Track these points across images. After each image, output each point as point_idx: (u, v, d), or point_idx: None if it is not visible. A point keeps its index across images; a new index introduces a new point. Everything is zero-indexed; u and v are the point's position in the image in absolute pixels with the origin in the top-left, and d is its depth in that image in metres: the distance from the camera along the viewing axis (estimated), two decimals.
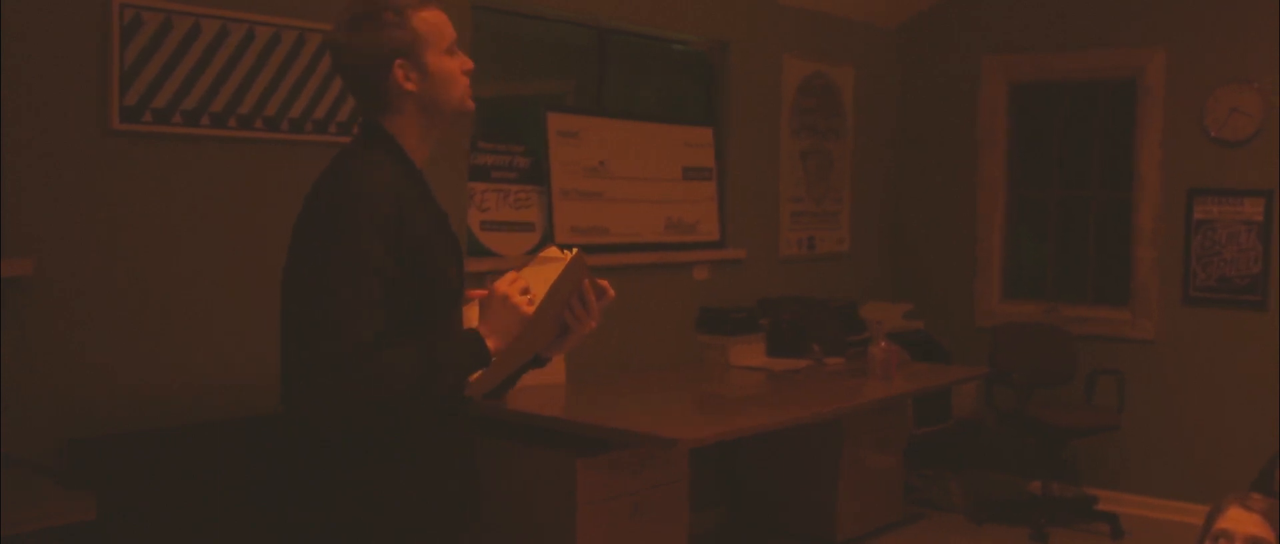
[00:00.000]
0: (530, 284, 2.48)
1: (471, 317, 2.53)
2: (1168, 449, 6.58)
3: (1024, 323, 6.76)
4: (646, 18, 5.81)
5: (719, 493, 6.14)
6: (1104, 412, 6.36)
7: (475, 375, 2.42)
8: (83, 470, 3.61)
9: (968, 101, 7.20)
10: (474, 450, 2.61)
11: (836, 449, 5.73)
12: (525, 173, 5.31)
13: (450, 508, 2.51)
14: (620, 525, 4.48)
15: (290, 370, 2.40)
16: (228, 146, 4.13)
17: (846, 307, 6.54)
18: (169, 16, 3.92)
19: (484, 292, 2.48)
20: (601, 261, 5.51)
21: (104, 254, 3.83)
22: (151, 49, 3.89)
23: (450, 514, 2.52)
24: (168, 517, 3.72)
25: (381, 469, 2.38)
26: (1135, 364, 6.58)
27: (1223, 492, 3.26)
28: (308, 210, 2.39)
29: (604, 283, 2.57)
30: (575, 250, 2.50)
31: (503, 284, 2.43)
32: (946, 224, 7.32)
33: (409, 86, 2.45)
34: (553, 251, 2.59)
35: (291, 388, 2.40)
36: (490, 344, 2.40)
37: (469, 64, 2.54)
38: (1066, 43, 6.85)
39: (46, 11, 3.68)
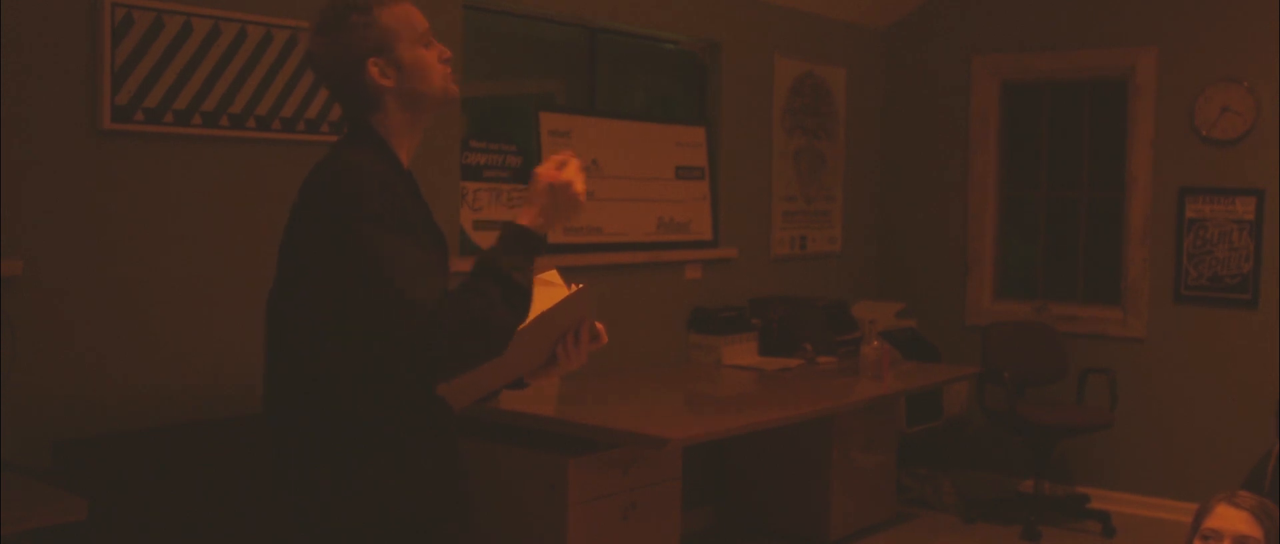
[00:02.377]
0: None
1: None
2: (1159, 448, 6.59)
3: (1015, 322, 6.77)
4: (637, 17, 5.81)
5: (710, 492, 6.14)
6: (1095, 410, 6.38)
7: (451, 386, 2.41)
8: (74, 471, 3.60)
9: (958, 101, 7.21)
10: (457, 451, 2.61)
11: (828, 448, 5.74)
12: (517, 172, 5.32)
13: (437, 508, 2.51)
14: (612, 525, 4.48)
15: (278, 358, 2.40)
16: (220, 146, 4.12)
17: (838, 306, 6.55)
18: (160, 16, 3.92)
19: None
20: (594, 261, 5.51)
21: (96, 254, 3.83)
22: (143, 48, 3.88)
23: (438, 514, 2.52)
24: (159, 517, 3.72)
25: (369, 469, 2.38)
26: (1126, 363, 6.59)
27: (1213, 490, 3.26)
28: (312, 213, 2.38)
29: (600, 327, 2.57)
30: (583, 285, 2.50)
31: (546, 169, 2.37)
32: (937, 223, 7.32)
33: (386, 83, 2.45)
34: (553, 276, 2.59)
35: (279, 376, 2.40)
36: (537, 227, 2.33)
37: (446, 52, 2.54)
38: (1057, 42, 6.86)
39: (38, 11, 3.67)
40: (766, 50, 6.50)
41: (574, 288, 2.50)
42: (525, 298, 2.30)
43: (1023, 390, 6.34)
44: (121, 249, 3.89)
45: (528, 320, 2.40)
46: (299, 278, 2.39)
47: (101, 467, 3.66)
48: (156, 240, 3.97)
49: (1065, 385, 6.61)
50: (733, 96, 6.31)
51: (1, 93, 3.58)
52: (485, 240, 5.09)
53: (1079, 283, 7.04)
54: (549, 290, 2.55)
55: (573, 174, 2.36)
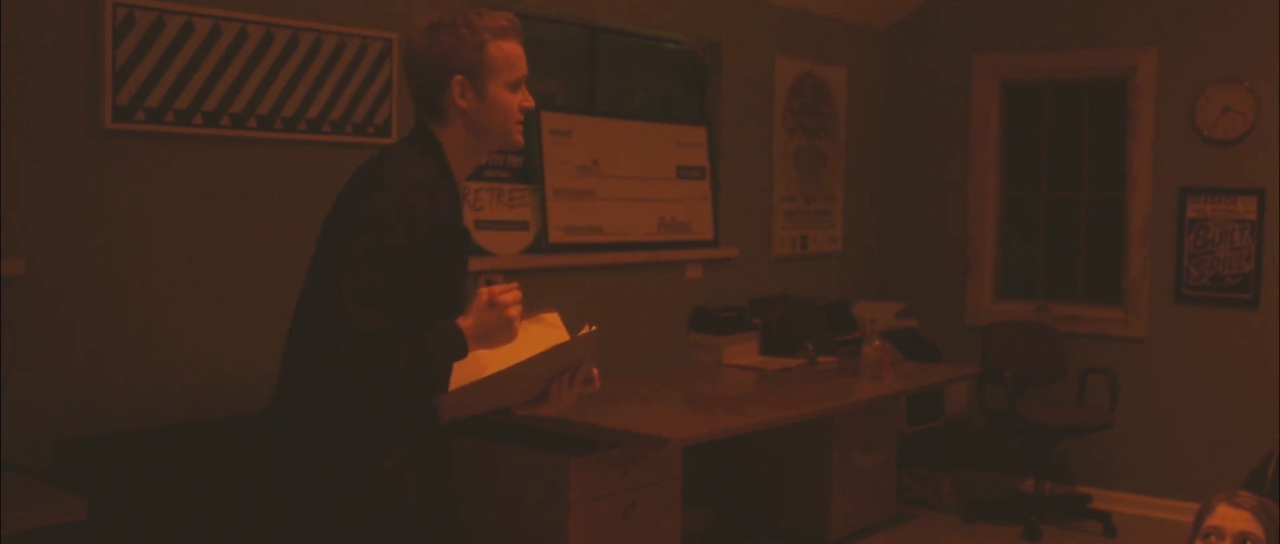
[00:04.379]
0: (521, 339, 2.52)
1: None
2: (1159, 448, 6.59)
3: (1015, 322, 6.77)
4: (637, 17, 5.81)
5: (710, 492, 6.14)
6: (1095, 410, 6.38)
7: (444, 399, 2.44)
8: (74, 471, 3.60)
9: (959, 101, 7.20)
10: (449, 453, 2.64)
11: (828, 448, 5.73)
12: (518, 172, 5.31)
13: (436, 507, 2.52)
14: (612, 525, 4.47)
15: (293, 357, 2.42)
16: (221, 146, 4.12)
17: (839, 306, 6.56)
18: (161, 15, 3.92)
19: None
20: (595, 260, 5.51)
21: (96, 254, 3.83)
22: (144, 48, 3.88)
23: (436, 513, 2.52)
24: (159, 517, 3.72)
25: (369, 469, 2.39)
26: (1127, 363, 6.59)
27: (1214, 490, 3.26)
28: (342, 201, 2.44)
29: (595, 372, 2.62)
30: (593, 328, 2.54)
31: (497, 290, 2.46)
32: (938, 223, 7.32)
33: (462, 104, 2.53)
34: (554, 318, 2.65)
35: (292, 375, 2.42)
36: (470, 344, 2.43)
37: (529, 103, 2.64)
38: (1057, 42, 6.85)
39: (39, 10, 3.67)
40: (767, 50, 6.50)
41: (586, 330, 2.54)
42: (427, 385, 2.39)
43: (1023, 390, 6.34)
44: (122, 249, 3.89)
45: (527, 357, 2.46)
46: (323, 273, 2.40)
47: (101, 467, 3.66)
48: (157, 240, 3.97)
49: (1066, 385, 6.61)
50: (733, 96, 6.31)
51: (1, 93, 3.58)
52: (486, 240, 5.09)
53: (1079, 283, 7.04)
54: (548, 330, 2.62)
55: (510, 300, 2.45)
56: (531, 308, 2.71)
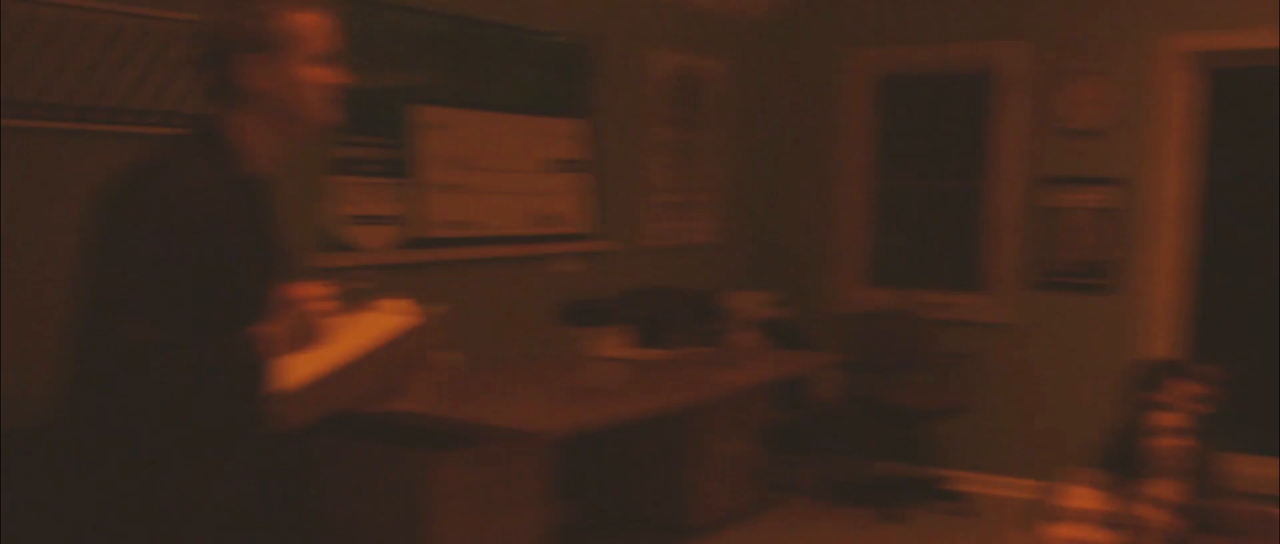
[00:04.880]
0: (355, 328, 2.39)
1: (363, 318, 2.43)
2: (1019, 429, 6.78)
3: (882, 310, 6.91)
4: (515, 9, 5.81)
5: (577, 484, 6.17)
6: (956, 393, 6.55)
7: (282, 403, 2.27)
8: None
9: (834, 93, 7.32)
10: (295, 458, 2.53)
11: (696, 437, 5.81)
12: (389, 166, 5.30)
13: (259, 521, 2.44)
14: (477, 520, 4.48)
15: (69, 369, 2.24)
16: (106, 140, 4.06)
17: (711, 296, 6.63)
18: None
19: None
20: (469, 255, 5.51)
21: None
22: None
23: (259, 528, 2.45)
24: None
25: (178, 482, 2.28)
26: (991, 348, 6.77)
27: (1069, 469, 3.39)
28: (102, 205, 2.25)
29: (453, 355, 2.49)
30: (438, 309, 2.42)
31: (294, 288, 2.31)
32: (810, 214, 7.44)
33: (257, 84, 2.33)
34: (395, 303, 2.47)
35: (70, 387, 2.24)
36: (271, 350, 2.23)
37: (338, 78, 2.43)
38: (929, 36, 7.00)
39: None
40: (645, 42, 6.54)
41: (432, 312, 2.43)
42: (220, 397, 2.19)
43: (889, 376, 6.48)
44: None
45: (365, 348, 2.34)
46: (89, 283, 2.23)
47: None
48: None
49: (931, 371, 6.76)
50: (611, 89, 6.35)
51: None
52: (358, 235, 5.07)
53: (947, 271, 7.19)
54: (390, 318, 2.47)
55: (306, 297, 2.29)
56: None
